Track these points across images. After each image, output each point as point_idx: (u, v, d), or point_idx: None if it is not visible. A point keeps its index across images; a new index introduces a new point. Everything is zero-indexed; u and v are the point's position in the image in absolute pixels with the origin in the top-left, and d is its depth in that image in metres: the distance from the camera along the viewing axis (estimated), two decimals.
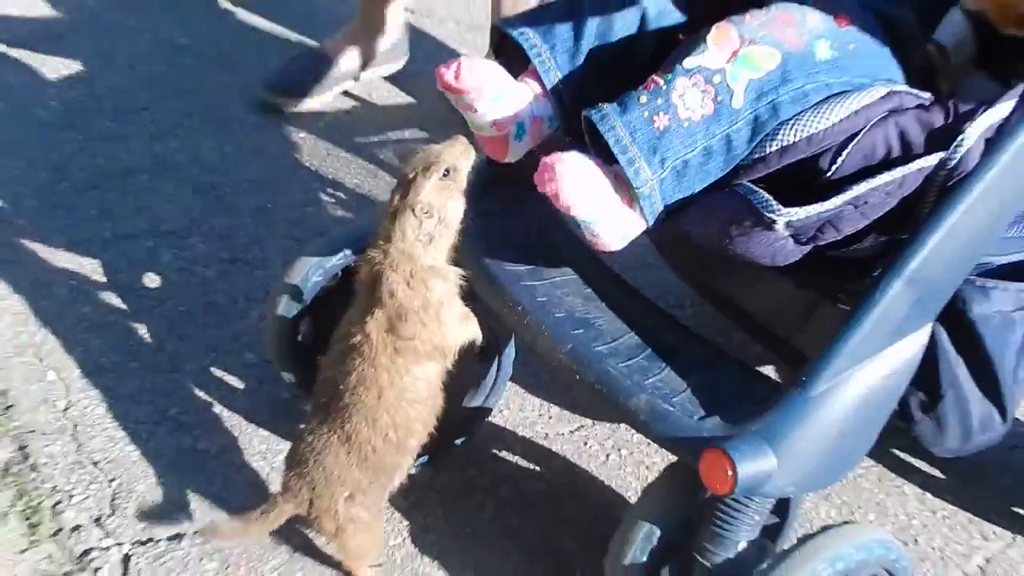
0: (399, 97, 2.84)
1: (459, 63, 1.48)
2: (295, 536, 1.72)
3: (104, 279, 2.15)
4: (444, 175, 1.48)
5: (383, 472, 1.54)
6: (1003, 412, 1.62)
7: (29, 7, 2.94)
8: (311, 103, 2.65)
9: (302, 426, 1.59)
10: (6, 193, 2.30)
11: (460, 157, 1.50)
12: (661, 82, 1.42)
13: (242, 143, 2.61)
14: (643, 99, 1.41)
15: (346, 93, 2.82)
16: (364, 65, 2.75)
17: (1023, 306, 1.57)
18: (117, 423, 1.87)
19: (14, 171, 2.35)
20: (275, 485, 1.76)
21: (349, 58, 2.71)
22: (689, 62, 1.42)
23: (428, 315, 1.48)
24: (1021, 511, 2.00)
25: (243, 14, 2.97)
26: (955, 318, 1.54)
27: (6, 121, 2.52)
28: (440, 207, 1.48)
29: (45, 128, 2.50)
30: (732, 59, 1.42)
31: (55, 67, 2.70)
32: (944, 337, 1.55)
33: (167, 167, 2.45)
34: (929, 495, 1.95)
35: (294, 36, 3.06)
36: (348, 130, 2.65)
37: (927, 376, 1.56)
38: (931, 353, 1.53)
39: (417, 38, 3.09)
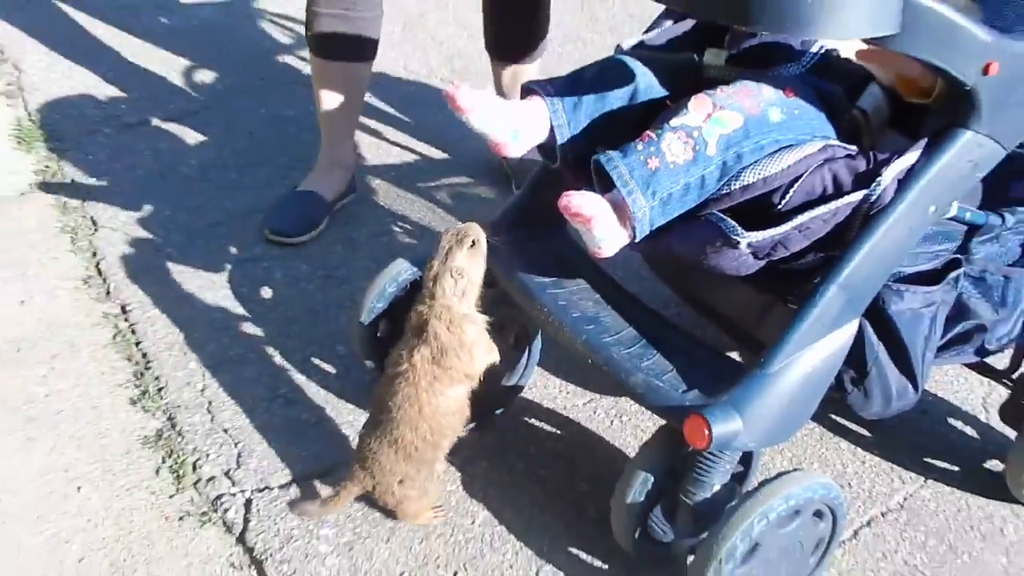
0: (448, 153, 2.75)
1: (456, 94, 1.44)
2: None
3: (231, 292, 2.10)
4: (471, 246, 1.48)
5: (424, 464, 1.53)
6: (915, 385, 1.54)
7: (173, 92, 2.89)
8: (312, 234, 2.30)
9: (362, 430, 1.57)
10: (159, 229, 2.25)
11: (480, 234, 1.50)
12: (653, 135, 1.38)
13: None
14: (639, 147, 1.37)
15: (409, 149, 2.71)
16: (344, 195, 2.41)
17: (928, 304, 1.48)
18: (241, 400, 1.82)
19: (165, 212, 2.30)
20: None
21: (334, 192, 2.37)
22: (674, 121, 1.38)
23: (463, 351, 1.49)
24: (931, 460, 1.88)
25: None
26: (877, 313, 1.46)
27: (158, 176, 2.46)
28: (469, 270, 1.48)
29: (187, 180, 2.45)
30: (707, 119, 1.38)
31: (193, 135, 2.65)
32: (869, 328, 1.47)
33: None
34: (860, 449, 1.86)
35: (381, 107, 3.07)
36: (413, 177, 2.57)
37: (856, 357, 1.48)
38: (859, 340, 1.46)
39: None
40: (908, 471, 1.85)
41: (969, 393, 2.00)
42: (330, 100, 2.32)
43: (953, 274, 1.50)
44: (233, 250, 2.24)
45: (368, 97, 2.96)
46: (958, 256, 1.52)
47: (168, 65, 3.03)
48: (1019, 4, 1.41)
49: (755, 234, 1.33)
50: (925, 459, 1.87)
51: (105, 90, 2.81)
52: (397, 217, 2.43)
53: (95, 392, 1.81)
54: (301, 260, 2.22)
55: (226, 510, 1.61)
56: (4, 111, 2.67)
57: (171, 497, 1.63)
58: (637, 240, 1.38)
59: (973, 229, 1.51)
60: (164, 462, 1.69)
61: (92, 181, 2.42)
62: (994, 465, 1.84)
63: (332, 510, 1.58)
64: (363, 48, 2.28)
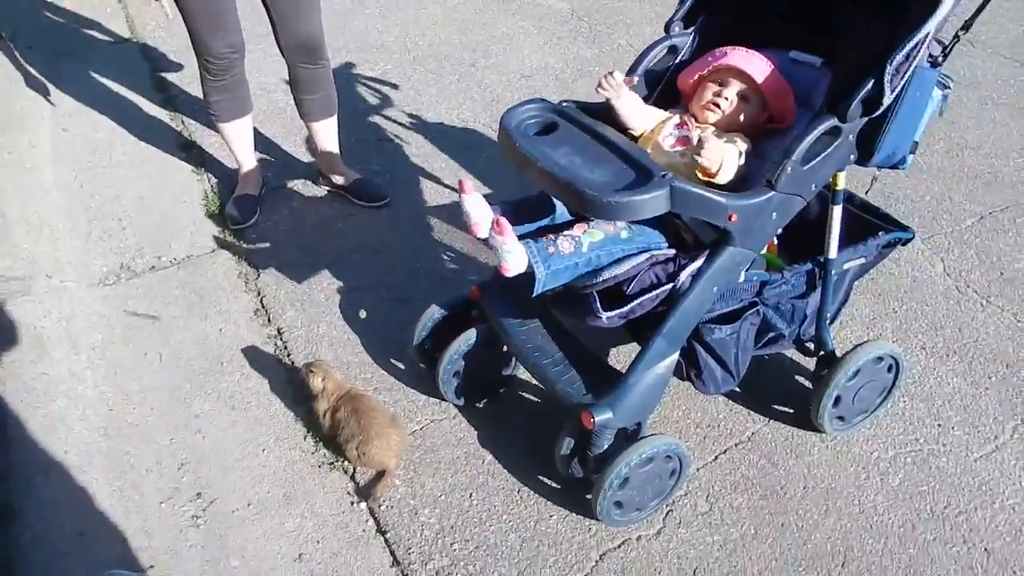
0: (489, 190, 3.23)
1: (469, 189, 1.89)
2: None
3: (341, 315, 2.70)
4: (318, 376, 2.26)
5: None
6: (734, 377, 2.06)
7: (299, 157, 3.52)
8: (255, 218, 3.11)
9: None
10: (296, 271, 2.85)
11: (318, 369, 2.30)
12: (553, 237, 1.84)
13: (404, 232, 3.08)
14: (546, 241, 1.83)
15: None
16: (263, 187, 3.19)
17: (732, 334, 1.99)
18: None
19: (300, 258, 2.89)
20: (420, 415, 2.32)
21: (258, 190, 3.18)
22: (564, 232, 1.85)
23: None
24: (776, 406, 2.35)
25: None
26: (701, 339, 1.98)
27: (292, 230, 3.04)
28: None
29: (312, 230, 3.04)
30: (583, 233, 1.84)
31: (313, 193, 3.23)
32: (699, 347, 1.99)
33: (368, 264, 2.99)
34: (729, 399, 2.37)
35: (439, 154, 3.61)
36: (453, 217, 3.10)
37: (693, 362, 2.01)
38: (692, 353, 1.99)
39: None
40: (759, 413, 2.36)
41: (804, 360, 2.46)
42: (238, 144, 3.10)
43: (747, 313, 2.03)
44: (341, 284, 2.83)
45: (429, 145, 3.54)
46: (755, 299, 2.05)
47: (294, 135, 3.61)
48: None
49: (612, 312, 1.89)
50: (772, 405, 2.38)
51: (259, 160, 3.34)
52: (446, 248, 3.00)
53: (267, 389, 2.50)
54: (383, 289, 2.81)
55: (343, 461, 2.26)
56: (194, 184, 3.40)
57: (313, 454, 2.29)
58: (535, 293, 1.83)
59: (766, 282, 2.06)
60: (308, 431, 2.36)
61: (253, 236, 3.08)
62: None
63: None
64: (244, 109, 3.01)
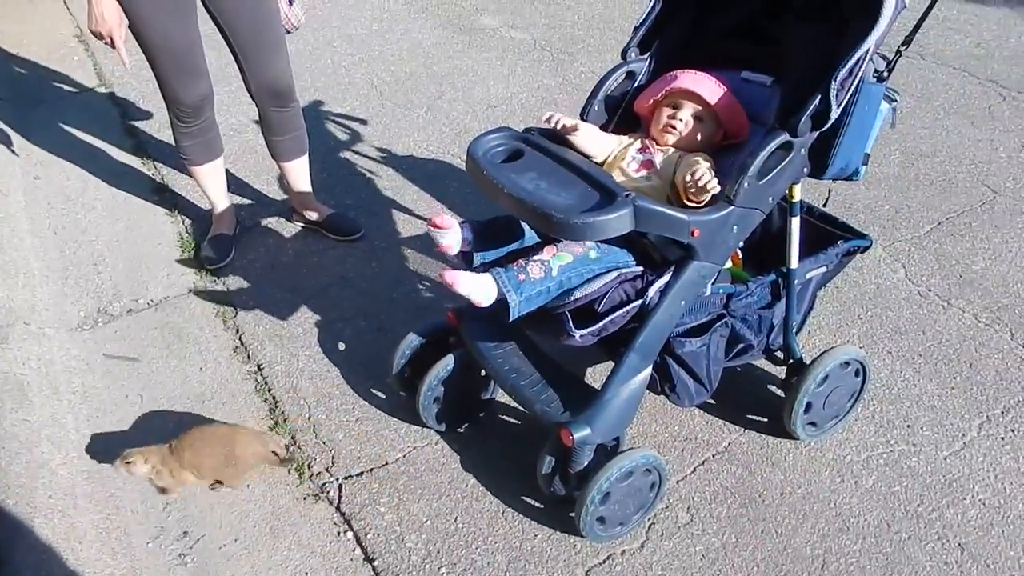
0: (459, 217, 3.37)
1: (443, 219, 1.96)
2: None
3: (320, 349, 2.72)
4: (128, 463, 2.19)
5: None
6: (707, 388, 2.10)
7: (272, 196, 3.56)
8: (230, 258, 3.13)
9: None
10: (273, 307, 2.87)
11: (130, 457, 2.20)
12: (523, 263, 1.87)
13: (379, 263, 3.13)
14: (515, 268, 1.86)
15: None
16: (237, 226, 3.24)
17: (702, 346, 2.03)
18: (333, 423, 2.44)
19: (276, 294, 2.92)
20: (403, 443, 2.35)
21: (232, 230, 3.22)
22: (534, 257, 1.88)
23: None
24: (750, 416, 2.38)
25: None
26: (673, 352, 2.02)
27: (269, 267, 3.06)
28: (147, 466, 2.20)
29: (287, 267, 3.07)
30: (552, 256, 1.87)
31: (288, 230, 3.24)
32: (671, 361, 2.03)
33: (348, 289, 3.09)
34: (706, 412, 2.41)
35: (410, 186, 3.63)
36: (427, 246, 3.17)
37: (666, 376, 2.05)
38: (665, 367, 2.04)
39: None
40: (734, 424, 2.40)
41: (775, 370, 2.53)
42: (211, 186, 3.13)
43: (716, 325, 2.08)
44: (319, 317, 2.88)
45: (400, 177, 3.62)
46: (723, 312, 2.11)
47: (266, 174, 3.66)
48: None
49: (584, 330, 1.93)
50: (747, 415, 2.42)
51: (232, 200, 3.39)
52: (422, 277, 3.05)
53: (252, 424, 2.51)
54: (361, 320, 2.86)
55: (328, 492, 2.26)
56: (168, 227, 3.43)
57: (298, 487, 2.29)
58: (512, 319, 1.88)
59: (732, 294, 2.12)
60: (292, 465, 2.36)
61: (229, 275, 3.11)
62: None
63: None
64: (215, 152, 3.04)
